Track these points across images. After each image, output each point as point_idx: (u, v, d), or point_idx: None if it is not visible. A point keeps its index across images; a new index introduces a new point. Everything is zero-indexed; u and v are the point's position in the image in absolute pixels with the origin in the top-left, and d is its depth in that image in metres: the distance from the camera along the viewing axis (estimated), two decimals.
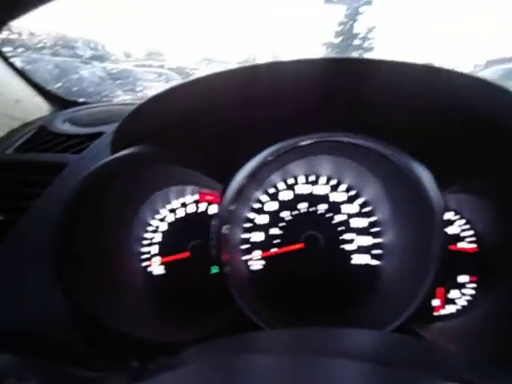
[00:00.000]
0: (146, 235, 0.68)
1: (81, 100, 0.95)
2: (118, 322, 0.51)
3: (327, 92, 0.50)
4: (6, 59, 0.80)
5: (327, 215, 0.68)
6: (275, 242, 0.68)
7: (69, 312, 0.50)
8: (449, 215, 0.67)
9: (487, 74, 4.94)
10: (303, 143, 0.48)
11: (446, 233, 0.49)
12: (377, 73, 0.49)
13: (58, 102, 0.91)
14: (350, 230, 0.67)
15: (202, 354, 0.36)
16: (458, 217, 0.68)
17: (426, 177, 0.49)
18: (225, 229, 0.51)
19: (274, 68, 0.48)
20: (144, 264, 0.67)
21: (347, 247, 0.67)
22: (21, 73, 0.85)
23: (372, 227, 0.67)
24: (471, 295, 0.66)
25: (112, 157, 0.52)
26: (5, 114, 0.76)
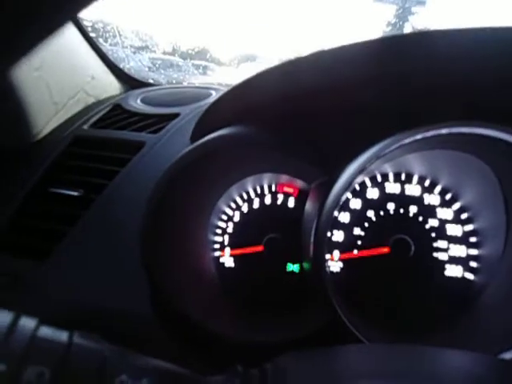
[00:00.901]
0: (220, 224, 0.64)
1: (151, 81, 0.94)
2: (201, 317, 0.47)
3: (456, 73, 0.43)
4: (84, 33, 0.79)
5: (419, 219, 0.61)
6: (357, 243, 0.62)
7: (153, 304, 0.48)
8: None
9: None
10: (430, 134, 0.42)
11: None
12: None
13: (130, 81, 0.90)
14: (444, 237, 0.60)
15: (304, 367, 0.31)
16: None
17: None
18: (327, 228, 0.45)
19: (400, 42, 0.41)
20: (217, 254, 0.64)
21: (440, 256, 0.60)
22: (97, 49, 0.84)
23: (469, 236, 0.60)
24: None
25: (214, 135, 0.47)
26: (82, 88, 0.75)
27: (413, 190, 0.62)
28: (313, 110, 0.46)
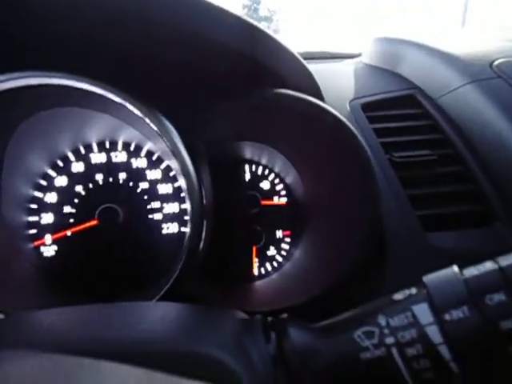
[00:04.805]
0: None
1: None
2: None
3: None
4: None
5: (130, 184, 0.61)
6: (69, 222, 0.59)
7: None
8: (260, 170, 0.65)
9: None
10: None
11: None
12: None
13: None
14: (157, 197, 0.61)
15: None
16: (267, 171, 0.66)
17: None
18: None
19: None
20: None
21: (156, 216, 0.61)
22: None
23: (179, 192, 0.62)
24: (286, 250, 0.65)
25: None
26: None
27: (119, 156, 0.61)
28: None
